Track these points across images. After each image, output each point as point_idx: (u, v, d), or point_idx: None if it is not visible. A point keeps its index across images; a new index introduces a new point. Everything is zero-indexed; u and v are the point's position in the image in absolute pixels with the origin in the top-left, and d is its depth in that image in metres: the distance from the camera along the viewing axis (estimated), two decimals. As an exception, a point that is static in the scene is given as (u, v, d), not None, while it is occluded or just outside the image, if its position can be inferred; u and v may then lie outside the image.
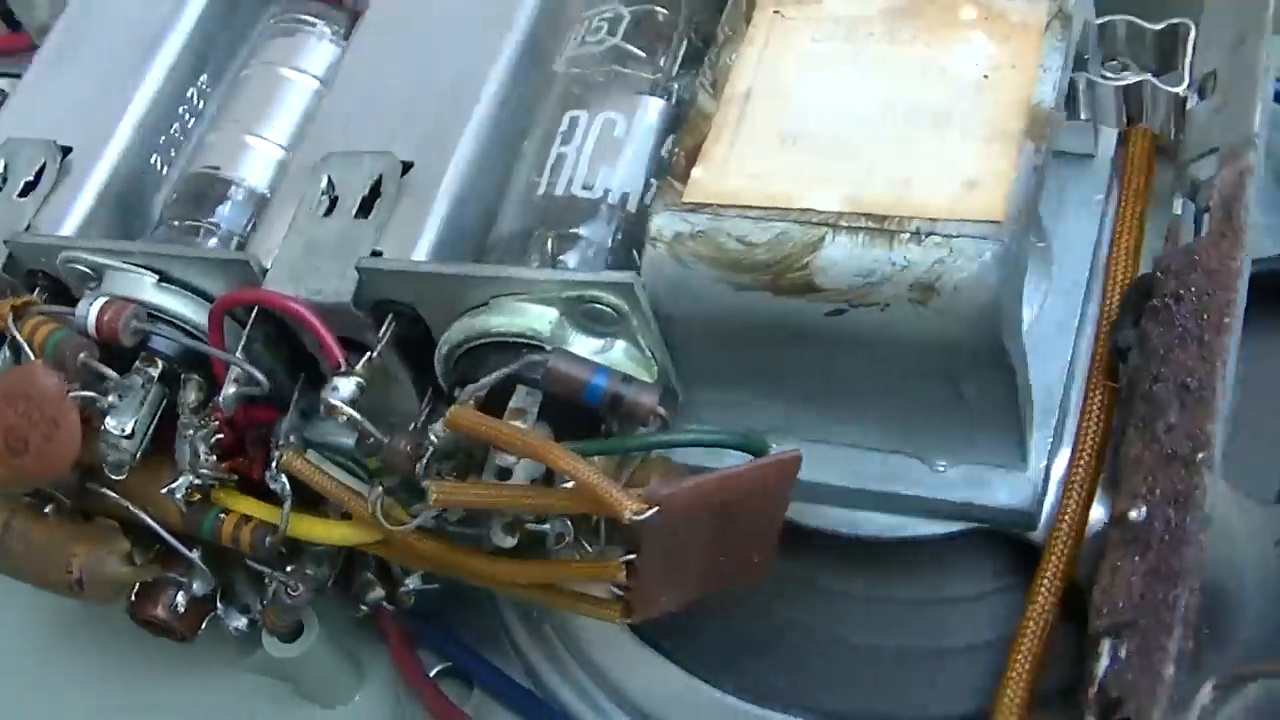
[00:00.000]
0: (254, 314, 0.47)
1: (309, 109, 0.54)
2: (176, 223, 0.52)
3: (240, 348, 0.47)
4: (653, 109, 0.49)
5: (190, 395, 0.49)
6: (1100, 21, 0.50)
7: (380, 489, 0.47)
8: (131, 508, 0.52)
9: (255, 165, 0.52)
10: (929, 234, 0.42)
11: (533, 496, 0.44)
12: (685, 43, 0.51)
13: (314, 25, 0.55)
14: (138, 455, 0.49)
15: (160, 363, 0.49)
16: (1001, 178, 0.43)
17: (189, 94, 0.55)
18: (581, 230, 0.47)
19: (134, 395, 0.48)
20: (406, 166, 0.48)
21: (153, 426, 0.49)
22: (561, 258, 0.47)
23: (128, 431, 0.48)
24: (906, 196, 0.43)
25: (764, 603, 0.54)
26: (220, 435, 0.50)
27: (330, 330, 0.46)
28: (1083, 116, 0.51)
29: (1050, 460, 0.49)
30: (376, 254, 0.47)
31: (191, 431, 0.49)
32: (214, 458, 0.50)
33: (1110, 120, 0.51)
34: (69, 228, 0.52)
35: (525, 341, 0.45)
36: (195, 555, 0.54)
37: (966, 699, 0.51)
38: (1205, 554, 0.39)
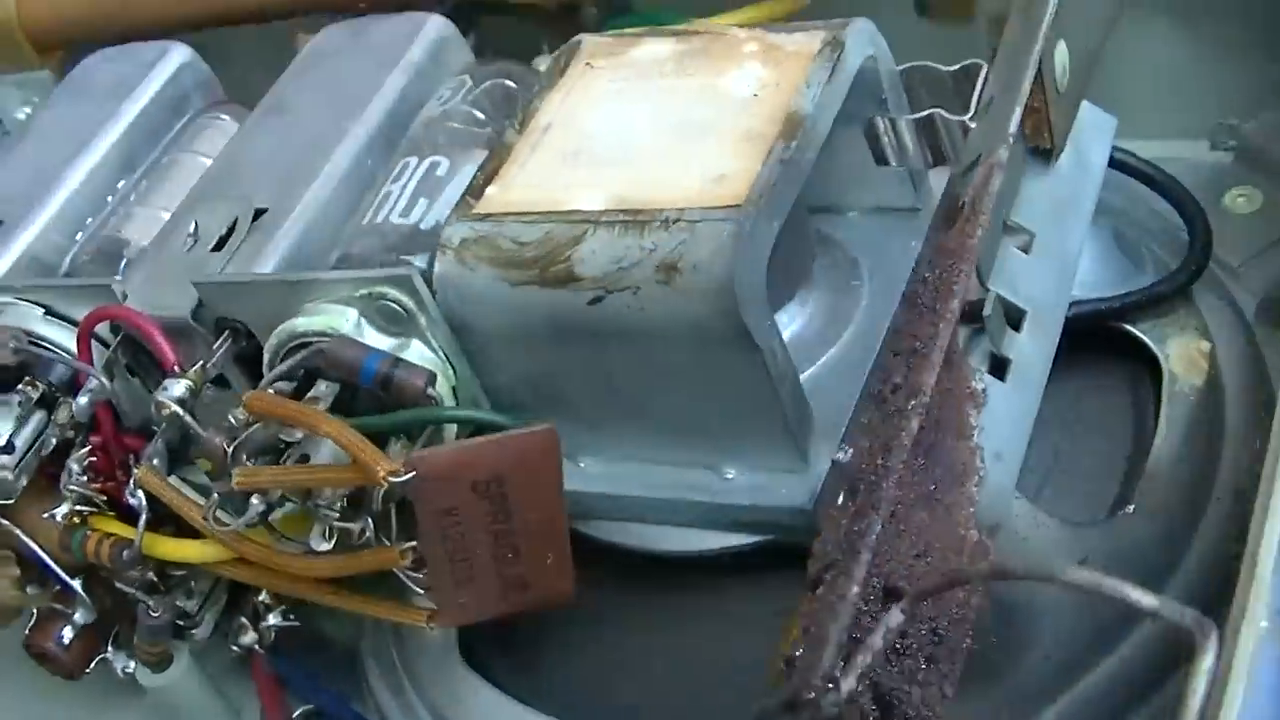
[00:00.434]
0: (119, 337, 0.53)
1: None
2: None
3: (102, 365, 0.53)
4: (479, 155, 0.53)
5: (63, 415, 0.54)
6: (902, 68, 0.53)
7: (215, 497, 0.51)
8: (16, 530, 0.56)
9: (149, 227, 0.59)
10: (676, 221, 0.46)
11: (316, 473, 0.48)
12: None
13: (224, 120, 0.62)
14: (19, 474, 0.54)
15: (40, 385, 0.54)
16: (749, 172, 0.46)
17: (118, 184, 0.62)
18: (398, 254, 0.51)
19: (9, 410, 0.54)
20: (260, 211, 0.54)
21: (35, 449, 0.54)
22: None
23: (1, 443, 0.53)
24: (663, 193, 0.47)
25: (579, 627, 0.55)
26: (94, 458, 0.55)
27: (167, 338, 0.51)
28: (893, 164, 0.54)
29: None
30: (220, 277, 0.52)
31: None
32: (84, 478, 0.54)
33: (917, 162, 0.53)
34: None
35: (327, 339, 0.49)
36: (76, 584, 0.57)
37: None
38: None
